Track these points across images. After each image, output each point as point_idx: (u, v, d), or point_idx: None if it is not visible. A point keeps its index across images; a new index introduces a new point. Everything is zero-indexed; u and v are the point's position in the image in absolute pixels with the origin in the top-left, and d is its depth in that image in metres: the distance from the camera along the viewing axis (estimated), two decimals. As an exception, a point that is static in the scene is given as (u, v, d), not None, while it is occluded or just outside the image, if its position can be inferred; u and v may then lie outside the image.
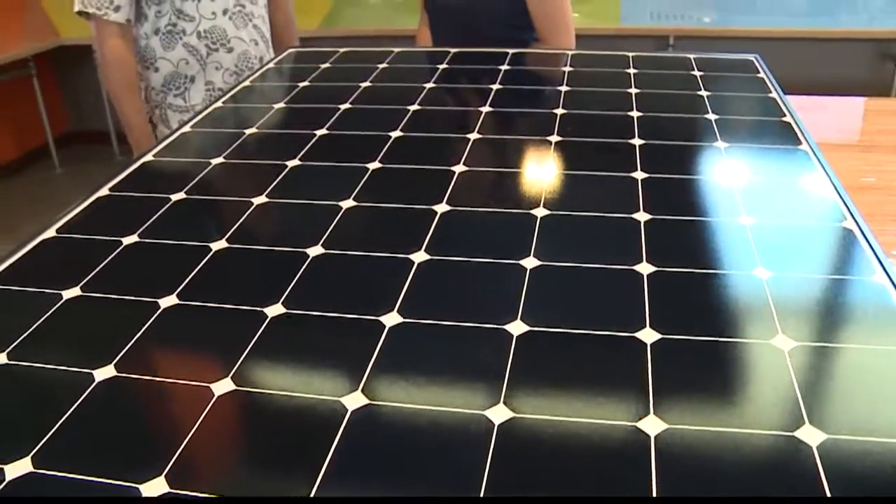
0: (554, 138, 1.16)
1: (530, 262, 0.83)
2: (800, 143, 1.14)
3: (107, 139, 4.84)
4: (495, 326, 0.74)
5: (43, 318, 0.80)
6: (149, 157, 1.17)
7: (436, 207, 0.95)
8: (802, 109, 1.48)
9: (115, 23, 1.87)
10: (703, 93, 1.35)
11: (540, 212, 0.94)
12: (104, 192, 1.07)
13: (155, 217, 0.99)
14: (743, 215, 0.92)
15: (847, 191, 1.01)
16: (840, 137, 1.83)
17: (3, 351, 0.75)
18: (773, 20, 3.66)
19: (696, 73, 1.46)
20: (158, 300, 0.81)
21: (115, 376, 0.71)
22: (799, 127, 1.20)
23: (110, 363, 0.72)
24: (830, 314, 0.76)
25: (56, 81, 4.95)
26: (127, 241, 0.94)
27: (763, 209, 0.94)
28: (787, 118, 1.24)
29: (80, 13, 1.89)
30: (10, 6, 4.54)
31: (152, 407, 0.68)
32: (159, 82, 1.99)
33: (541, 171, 1.06)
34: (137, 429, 0.65)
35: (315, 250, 0.88)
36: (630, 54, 1.57)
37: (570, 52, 1.61)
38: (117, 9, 1.86)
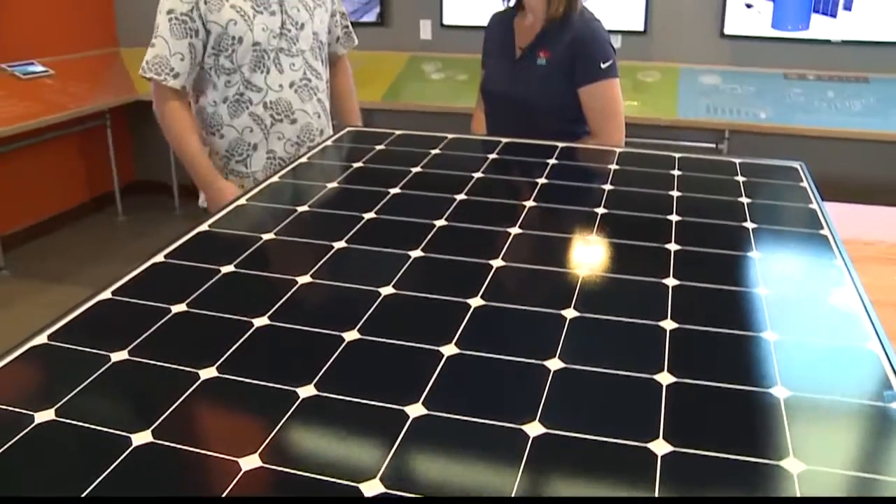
0: (592, 238, 1.19)
1: (554, 364, 0.86)
2: (834, 257, 1.16)
3: (169, 191, 5.00)
4: (514, 426, 0.77)
5: (90, 379, 0.85)
6: (204, 227, 1.24)
7: (470, 301, 0.99)
8: (845, 218, 1.49)
9: (172, 88, 1.98)
10: (744, 200, 1.37)
11: (570, 313, 0.97)
12: (160, 258, 1.14)
13: (204, 288, 1.04)
14: (768, 330, 0.94)
15: (882, 307, 1.02)
16: (883, 250, 1.83)
17: (52, 407, 0.80)
18: (829, 119, 3.68)
19: (740, 178, 1.49)
20: (199, 371, 0.86)
21: (151, 442, 0.75)
22: (835, 241, 1.21)
23: (148, 429, 0.76)
24: (845, 439, 0.77)
25: (128, 133, 5.16)
26: (176, 308, 0.99)
27: (789, 325, 0.96)
28: (825, 230, 1.26)
29: (143, 76, 2.02)
30: (97, 64, 4.80)
31: (183, 476, 0.72)
32: (223, 148, 2.08)
33: (575, 271, 1.09)
34: (167, 495, 0.69)
35: (351, 335, 0.92)
36: (676, 155, 1.61)
37: (618, 150, 1.65)
38: (176, 76, 1.98)
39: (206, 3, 1.96)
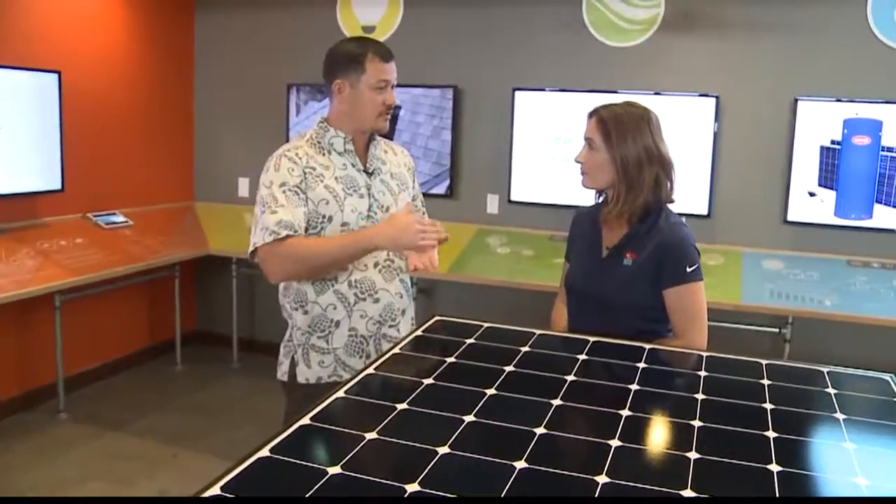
0: (692, 455, 1.19)
1: None
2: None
3: (228, 343, 5.08)
4: None
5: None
6: (306, 421, 1.26)
7: (580, 524, 0.99)
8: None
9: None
10: (839, 416, 1.36)
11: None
12: (265, 452, 1.15)
13: (310, 492, 1.05)
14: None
15: None
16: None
17: None
18: (894, 309, 3.65)
19: (831, 390, 1.48)
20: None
21: None
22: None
23: None
24: None
25: (193, 284, 5.32)
26: (285, 512, 1.00)
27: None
28: (928, 455, 1.24)
29: (277, 238, 2.01)
30: (173, 217, 5.02)
31: None
32: (306, 323, 2.13)
33: (679, 492, 1.08)
34: None
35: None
36: (763, 362, 1.61)
37: (704, 354, 1.66)
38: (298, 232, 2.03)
39: (306, 178, 2.06)
